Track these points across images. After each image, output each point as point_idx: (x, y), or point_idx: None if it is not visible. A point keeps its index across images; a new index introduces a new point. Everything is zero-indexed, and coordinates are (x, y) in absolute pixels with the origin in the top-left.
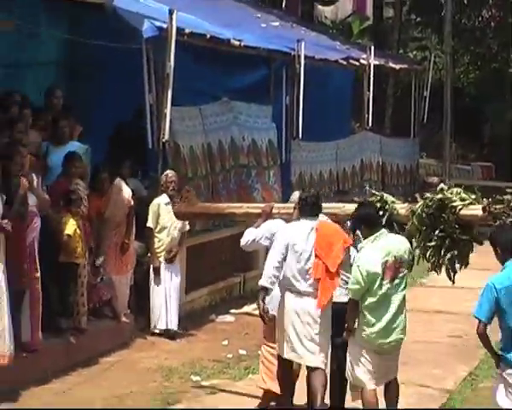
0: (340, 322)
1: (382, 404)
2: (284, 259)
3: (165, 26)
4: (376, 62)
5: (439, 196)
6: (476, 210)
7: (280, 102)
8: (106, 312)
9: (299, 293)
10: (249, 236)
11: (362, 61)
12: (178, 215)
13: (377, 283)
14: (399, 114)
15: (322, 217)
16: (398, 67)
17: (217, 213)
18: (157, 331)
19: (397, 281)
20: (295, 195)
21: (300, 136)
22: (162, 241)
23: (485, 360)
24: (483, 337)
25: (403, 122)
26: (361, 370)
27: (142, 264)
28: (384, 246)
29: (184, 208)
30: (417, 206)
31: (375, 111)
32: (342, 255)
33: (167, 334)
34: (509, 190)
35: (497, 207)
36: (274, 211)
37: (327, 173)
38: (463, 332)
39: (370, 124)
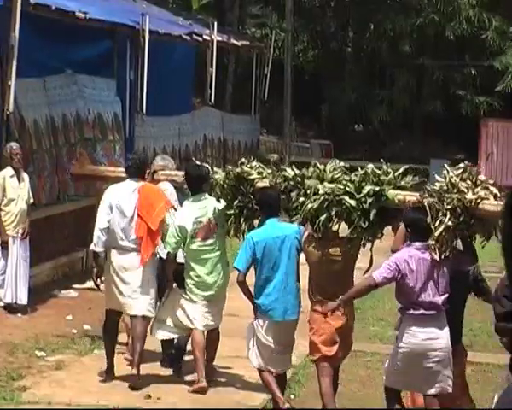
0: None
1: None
2: (109, 219)
3: None
4: (219, 39)
5: (238, 169)
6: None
7: (124, 76)
8: None
9: (123, 249)
10: (100, 234)
11: (205, 36)
12: (73, 177)
13: (188, 239)
14: (240, 90)
15: (164, 184)
16: (240, 43)
17: (98, 175)
18: (1, 305)
19: (211, 240)
20: (157, 160)
21: (144, 110)
22: (10, 213)
23: None
24: (242, 286)
25: (244, 99)
26: (183, 314)
27: None
28: (201, 207)
29: (77, 170)
30: (217, 176)
31: (216, 87)
32: (163, 215)
33: (14, 308)
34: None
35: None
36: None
37: (170, 148)
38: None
39: (213, 100)
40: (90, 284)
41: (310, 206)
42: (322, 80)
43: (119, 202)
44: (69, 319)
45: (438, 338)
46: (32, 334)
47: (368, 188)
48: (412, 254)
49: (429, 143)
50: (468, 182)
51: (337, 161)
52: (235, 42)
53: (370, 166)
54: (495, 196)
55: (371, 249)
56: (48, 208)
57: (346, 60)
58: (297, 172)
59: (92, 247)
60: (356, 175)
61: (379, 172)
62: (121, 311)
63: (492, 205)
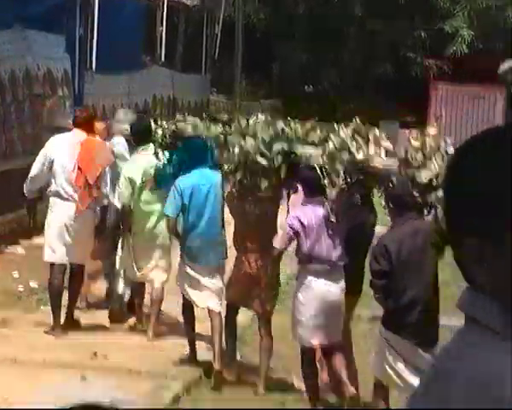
0: None
1: None
2: (47, 169)
3: None
4: None
5: (173, 126)
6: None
7: (73, 32)
8: None
9: (66, 199)
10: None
11: None
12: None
13: (137, 190)
14: (191, 50)
15: (117, 137)
16: (189, 2)
17: None
18: None
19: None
20: (119, 113)
21: (94, 68)
22: None
23: None
24: (171, 231)
25: (194, 58)
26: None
27: None
28: (150, 159)
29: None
30: (157, 133)
31: (166, 46)
32: (101, 170)
33: None
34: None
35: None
36: None
37: (119, 107)
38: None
39: (163, 59)
40: (37, 240)
41: (227, 166)
42: (273, 39)
43: (61, 152)
44: (16, 277)
45: (333, 291)
46: None
47: (277, 146)
48: (307, 211)
49: (379, 105)
50: (360, 140)
51: (260, 115)
52: (185, 2)
53: (280, 123)
54: (386, 153)
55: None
56: None
57: (297, 19)
58: (222, 129)
59: (25, 193)
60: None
61: (287, 129)
62: (65, 263)
63: (383, 161)
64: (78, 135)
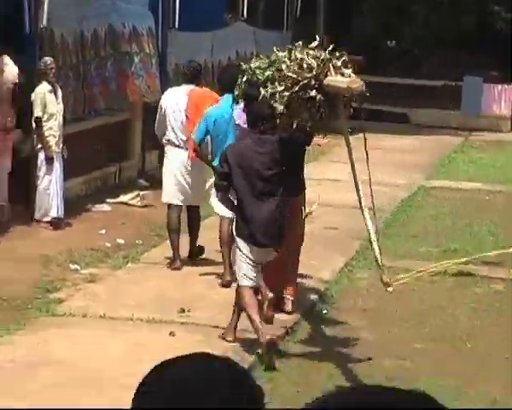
0: None
1: None
2: (163, 118)
3: None
4: None
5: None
6: None
7: None
8: None
9: (178, 146)
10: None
11: None
12: None
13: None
14: (273, 6)
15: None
16: None
17: None
18: (47, 219)
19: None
20: None
21: (177, 26)
22: (52, 129)
23: (361, 252)
24: (199, 153)
25: (276, 15)
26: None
27: (18, 151)
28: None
29: None
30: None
31: (248, 2)
32: None
33: (55, 223)
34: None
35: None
36: None
37: (202, 64)
38: (339, 224)
39: (245, 15)
40: (122, 198)
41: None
42: None
43: (172, 102)
44: (102, 233)
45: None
46: (65, 247)
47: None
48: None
49: (463, 60)
50: (312, 62)
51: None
52: None
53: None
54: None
55: None
56: (78, 123)
57: None
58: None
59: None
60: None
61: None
62: (181, 204)
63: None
64: (187, 86)
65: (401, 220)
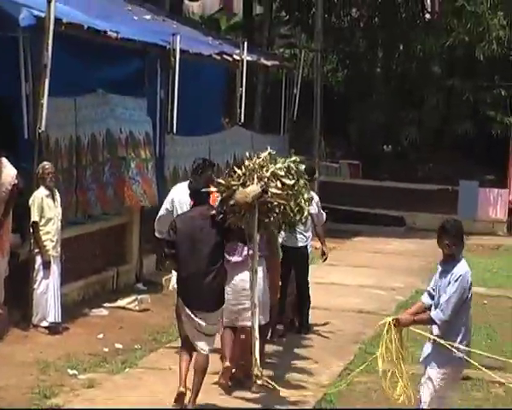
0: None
1: None
2: (171, 212)
3: (42, 15)
4: (249, 58)
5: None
6: None
7: (154, 95)
8: None
9: None
10: (156, 223)
11: (235, 56)
12: None
13: None
14: (269, 110)
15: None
16: (269, 63)
17: None
18: (45, 325)
19: None
20: None
21: (175, 130)
22: (50, 233)
23: (360, 356)
24: None
25: (272, 119)
26: None
27: (16, 255)
28: None
29: None
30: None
31: (245, 107)
32: None
33: (53, 328)
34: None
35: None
36: None
37: None
38: (336, 328)
39: (242, 120)
40: (120, 302)
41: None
42: (351, 100)
43: (181, 198)
44: (100, 338)
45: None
46: (63, 352)
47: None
48: None
49: (459, 163)
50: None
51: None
52: (264, 62)
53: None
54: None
55: None
56: (78, 227)
57: (375, 80)
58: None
59: (156, 234)
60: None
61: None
62: None
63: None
64: None
65: None
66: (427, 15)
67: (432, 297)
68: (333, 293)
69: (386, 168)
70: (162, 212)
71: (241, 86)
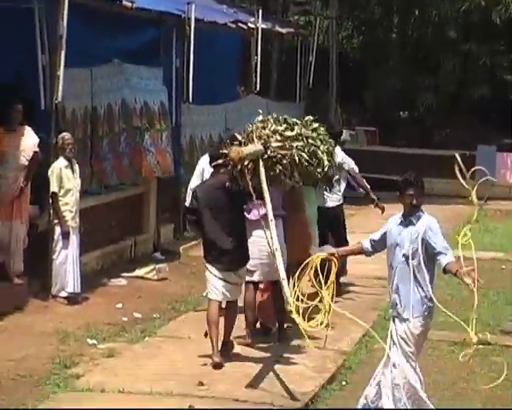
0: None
1: None
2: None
3: None
4: (264, 26)
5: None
6: None
7: (170, 64)
8: None
9: None
10: (188, 193)
11: (250, 24)
12: None
13: None
14: (285, 78)
15: None
16: (284, 31)
17: None
18: (64, 295)
19: None
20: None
21: (191, 99)
22: (69, 204)
23: (379, 322)
24: None
25: (289, 87)
26: None
27: (34, 226)
28: None
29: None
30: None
31: (261, 75)
32: None
33: (72, 298)
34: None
35: None
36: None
37: (216, 137)
38: (355, 294)
39: (258, 88)
40: (138, 272)
41: None
42: (366, 67)
43: (210, 168)
44: (119, 307)
45: None
46: (83, 322)
47: None
48: None
49: (476, 128)
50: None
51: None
52: (279, 29)
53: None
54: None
55: None
56: (94, 198)
57: (390, 46)
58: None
59: (187, 203)
60: None
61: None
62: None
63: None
64: None
65: None
66: None
67: (373, 247)
68: (351, 260)
69: (403, 134)
70: (193, 183)
71: (256, 54)
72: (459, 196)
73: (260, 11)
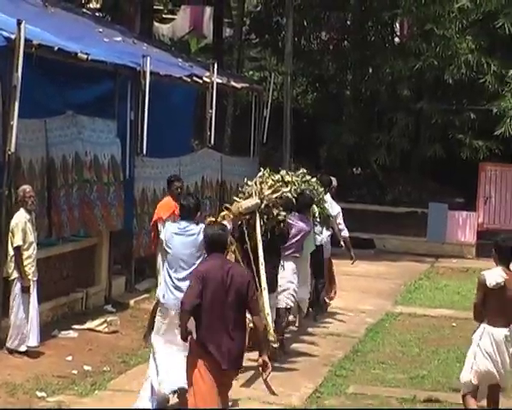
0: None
1: None
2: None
3: (13, 36)
4: (219, 81)
5: None
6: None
7: (124, 117)
8: None
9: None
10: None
11: (205, 78)
12: None
13: None
14: (239, 132)
15: None
16: (239, 86)
17: None
18: (24, 350)
19: None
20: None
21: (144, 151)
22: (31, 257)
23: (330, 378)
24: None
25: (243, 141)
26: None
27: None
28: None
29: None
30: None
31: (215, 129)
32: None
33: (32, 352)
34: None
35: None
36: None
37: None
38: (306, 349)
39: (212, 142)
40: (89, 324)
41: None
42: (320, 123)
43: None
44: (69, 360)
45: None
46: (32, 374)
47: None
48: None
49: (428, 186)
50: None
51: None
52: (234, 84)
53: None
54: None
55: None
56: (47, 249)
57: (344, 103)
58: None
59: None
60: None
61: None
62: None
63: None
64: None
65: (369, 347)
66: (396, 39)
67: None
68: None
69: (356, 191)
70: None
71: (211, 108)
72: (409, 252)
73: (215, 65)
